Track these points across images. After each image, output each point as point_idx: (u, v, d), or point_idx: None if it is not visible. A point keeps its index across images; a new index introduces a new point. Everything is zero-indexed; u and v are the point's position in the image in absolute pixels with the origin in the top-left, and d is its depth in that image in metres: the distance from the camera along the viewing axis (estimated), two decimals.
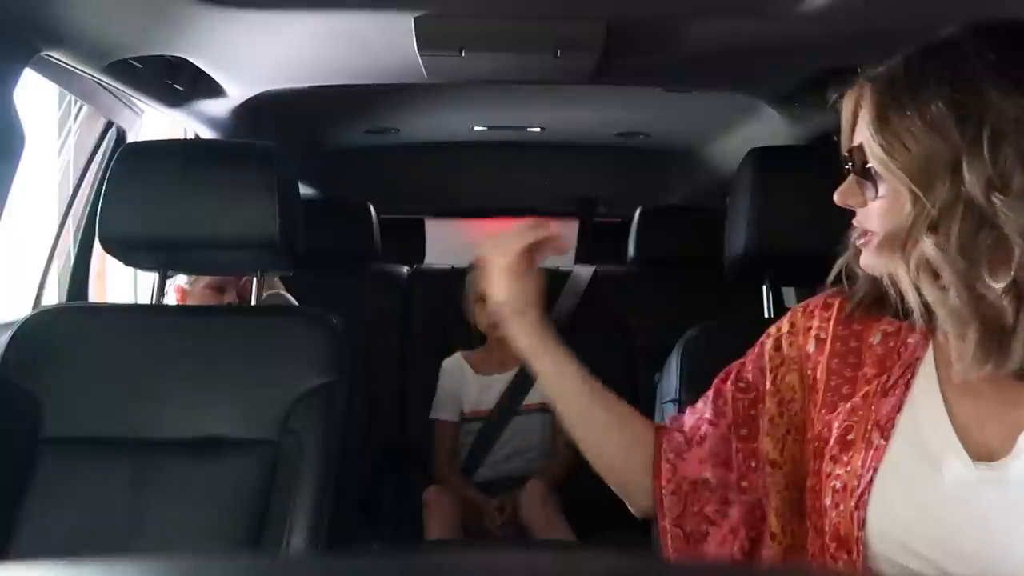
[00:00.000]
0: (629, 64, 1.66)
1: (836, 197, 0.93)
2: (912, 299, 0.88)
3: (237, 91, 1.78)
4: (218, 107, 1.86)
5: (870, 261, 0.92)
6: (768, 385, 1.03)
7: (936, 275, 0.85)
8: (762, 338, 1.08)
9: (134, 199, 1.45)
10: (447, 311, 2.54)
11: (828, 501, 0.92)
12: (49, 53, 1.45)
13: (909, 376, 0.94)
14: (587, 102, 2.41)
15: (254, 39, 1.53)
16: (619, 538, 1.93)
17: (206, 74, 1.67)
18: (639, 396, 2.38)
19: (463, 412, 2.42)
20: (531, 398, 2.40)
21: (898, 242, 0.87)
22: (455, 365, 2.46)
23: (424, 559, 0.43)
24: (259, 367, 1.41)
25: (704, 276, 2.05)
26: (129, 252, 1.53)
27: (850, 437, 0.94)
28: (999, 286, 0.83)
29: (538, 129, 2.74)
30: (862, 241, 0.92)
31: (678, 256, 2.58)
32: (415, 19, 1.42)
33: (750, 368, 1.06)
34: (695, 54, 1.64)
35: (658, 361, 1.47)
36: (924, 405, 0.92)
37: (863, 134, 0.89)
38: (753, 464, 1.02)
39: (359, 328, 2.26)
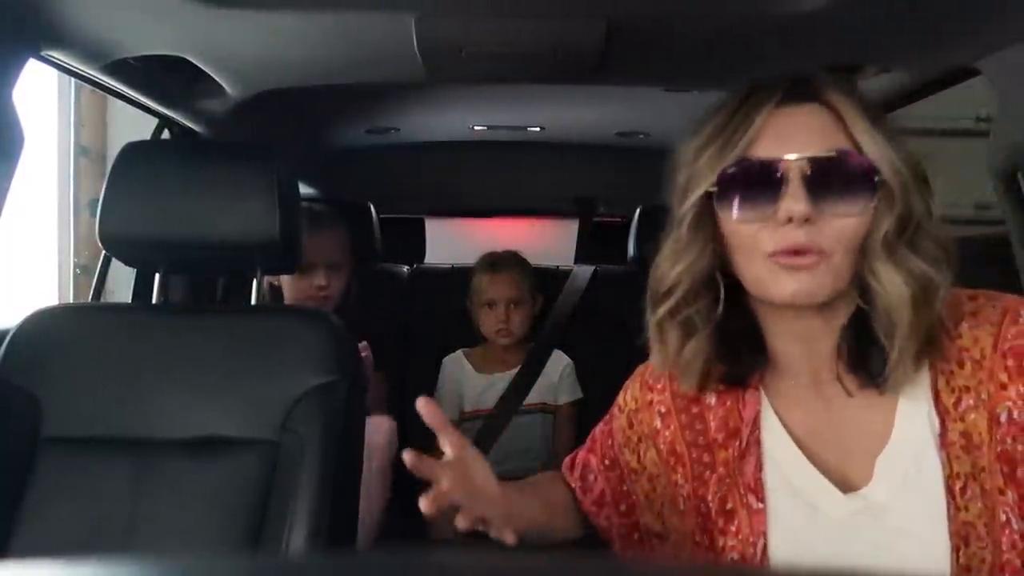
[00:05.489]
0: (629, 63, 1.66)
1: (798, 207, 0.85)
2: (785, 344, 0.92)
3: (237, 91, 1.78)
4: (218, 107, 1.86)
5: (812, 287, 0.86)
6: (634, 463, 1.04)
7: (919, 293, 0.84)
8: (614, 410, 1.09)
9: (134, 198, 1.45)
10: (447, 311, 2.54)
11: None
12: (49, 53, 1.45)
13: (757, 432, 0.94)
14: (587, 102, 2.40)
15: (254, 39, 1.52)
16: None
17: (206, 74, 1.67)
18: None
19: (463, 411, 2.41)
20: (531, 398, 2.40)
21: (852, 258, 0.86)
22: (456, 363, 2.46)
23: (424, 559, 0.43)
24: (259, 367, 1.41)
25: None
26: (129, 251, 1.53)
27: (729, 507, 0.94)
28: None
29: (538, 129, 2.73)
30: (808, 262, 0.85)
31: None
32: (415, 19, 1.42)
33: (612, 444, 1.07)
34: (695, 53, 1.64)
35: None
36: (783, 457, 0.93)
37: (863, 136, 0.86)
38: (636, 536, 1.03)
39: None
